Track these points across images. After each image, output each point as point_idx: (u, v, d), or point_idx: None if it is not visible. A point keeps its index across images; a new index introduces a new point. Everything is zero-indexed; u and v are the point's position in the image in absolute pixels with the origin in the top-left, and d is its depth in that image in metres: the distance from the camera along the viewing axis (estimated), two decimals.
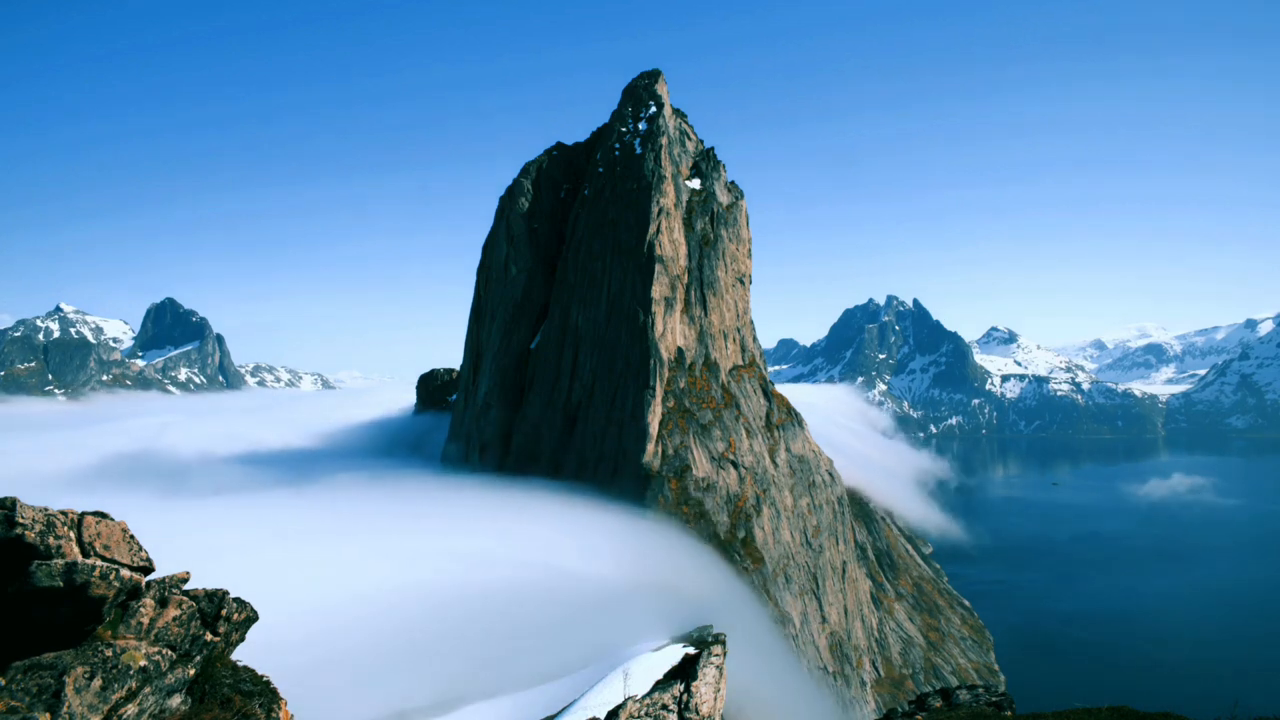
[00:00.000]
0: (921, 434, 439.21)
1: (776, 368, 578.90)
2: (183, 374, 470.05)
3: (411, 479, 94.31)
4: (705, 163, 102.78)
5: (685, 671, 17.36)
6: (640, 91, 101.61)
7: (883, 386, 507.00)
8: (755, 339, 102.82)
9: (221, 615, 9.94)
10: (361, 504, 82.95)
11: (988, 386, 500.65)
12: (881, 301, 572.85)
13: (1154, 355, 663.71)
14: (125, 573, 8.85)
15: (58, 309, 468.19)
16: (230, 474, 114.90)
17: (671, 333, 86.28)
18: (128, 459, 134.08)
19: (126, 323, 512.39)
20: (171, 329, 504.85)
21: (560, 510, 73.83)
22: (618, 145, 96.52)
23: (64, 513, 8.77)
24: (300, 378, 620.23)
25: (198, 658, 9.51)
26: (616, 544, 66.40)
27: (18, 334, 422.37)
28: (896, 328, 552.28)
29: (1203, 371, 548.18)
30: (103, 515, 9.16)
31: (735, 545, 76.32)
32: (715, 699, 17.09)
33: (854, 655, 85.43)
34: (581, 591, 56.86)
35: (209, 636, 9.75)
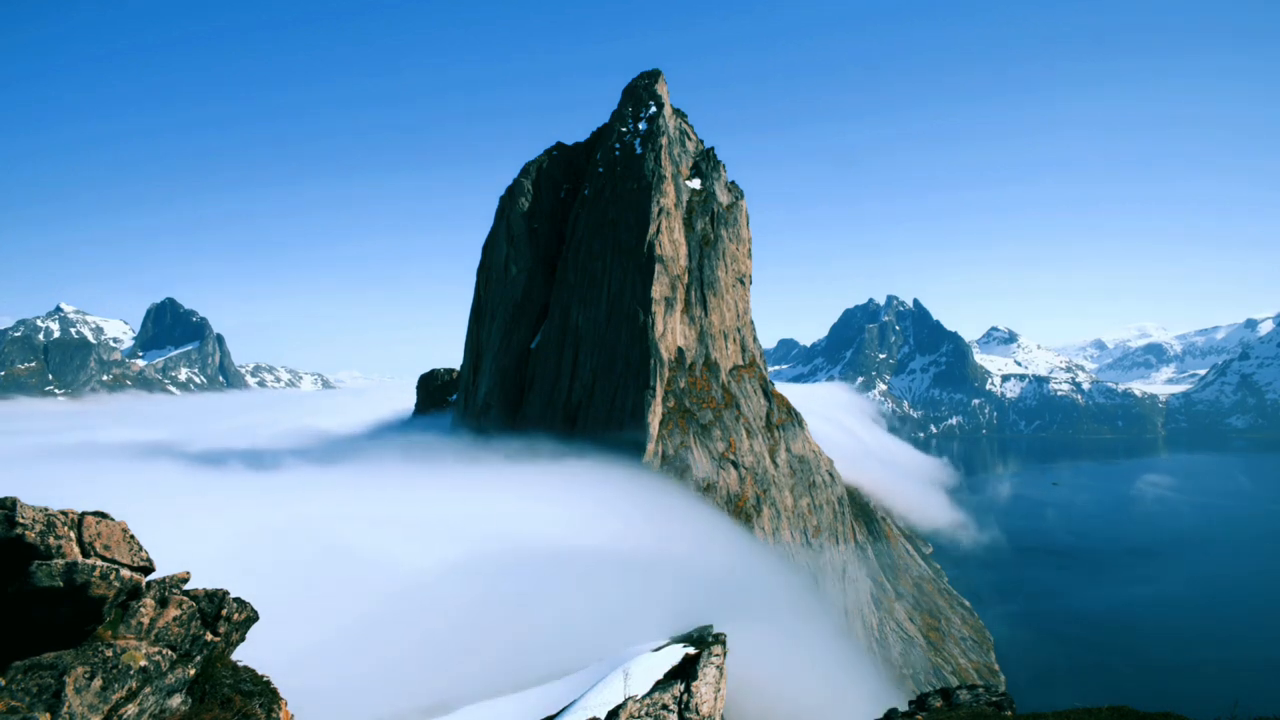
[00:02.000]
0: (921, 434, 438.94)
1: (776, 368, 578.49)
2: (183, 374, 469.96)
3: (411, 470, 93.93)
4: (705, 163, 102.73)
5: (685, 671, 17.36)
6: (640, 91, 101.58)
7: (883, 386, 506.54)
8: (755, 339, 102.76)
9: (222, 615, 9.94)
10: (360, 501, 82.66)
11: (988, 386, 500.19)
12: (881, 301, 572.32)
13: (1154, 355, 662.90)
14: (125, 573, 8.85)
15: (58, 309, 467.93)
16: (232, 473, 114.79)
17: (671, 333, 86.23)
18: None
19: (126, 323, 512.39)
20: (171, 329, 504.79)
21: (562, 496, 73.36)
22: (618, 145, 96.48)
23: (64, 513, 8.76)
24: (300, 378, 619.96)
25: (198, 658, 9.51)
26: (622, 534, 66.25)
27: (18, 334, 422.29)
28: (896, 328, 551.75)
29: (1203, 371, 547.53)
30: (103, 515, 9.15)
31: None
32: (715, 699, 17.08)
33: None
34: (583, 589, 56.79)
35: (209, 636, 9.75)
